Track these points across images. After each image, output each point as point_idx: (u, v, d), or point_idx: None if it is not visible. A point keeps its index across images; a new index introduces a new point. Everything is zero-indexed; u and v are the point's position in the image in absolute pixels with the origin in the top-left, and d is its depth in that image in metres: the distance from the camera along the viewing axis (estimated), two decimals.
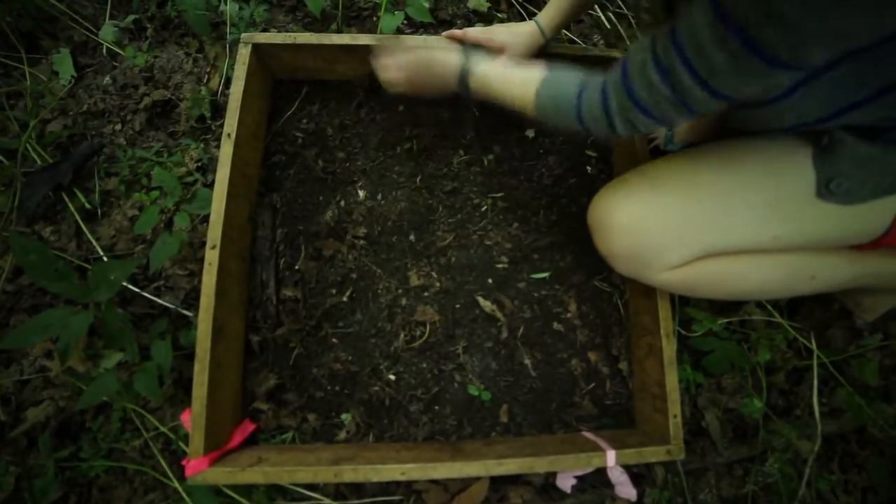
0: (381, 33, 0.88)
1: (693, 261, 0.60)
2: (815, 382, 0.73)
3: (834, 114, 0.49)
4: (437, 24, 0.93)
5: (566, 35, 0.94)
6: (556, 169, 0.83)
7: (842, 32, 0.35)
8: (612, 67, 0.52)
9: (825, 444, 0.73)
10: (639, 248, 0.60)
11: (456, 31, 0.75)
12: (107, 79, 0.90)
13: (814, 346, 0.75)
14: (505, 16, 0.98)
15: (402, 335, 0.74)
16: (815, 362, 0.74)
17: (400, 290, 0.76)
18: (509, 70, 0.64)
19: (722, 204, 0.57)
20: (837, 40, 0.36)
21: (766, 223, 0.57)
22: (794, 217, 0.56)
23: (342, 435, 0.71)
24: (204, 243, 0.78)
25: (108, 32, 0.89)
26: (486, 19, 0.97)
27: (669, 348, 0.67)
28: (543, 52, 0.75)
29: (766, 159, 0.57)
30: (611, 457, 0.62)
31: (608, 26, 0.95)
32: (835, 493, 0.72)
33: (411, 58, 0.69)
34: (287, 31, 0.93)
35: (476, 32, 0.74)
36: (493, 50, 0.73)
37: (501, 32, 0.73)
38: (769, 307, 0.78)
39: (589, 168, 0.84)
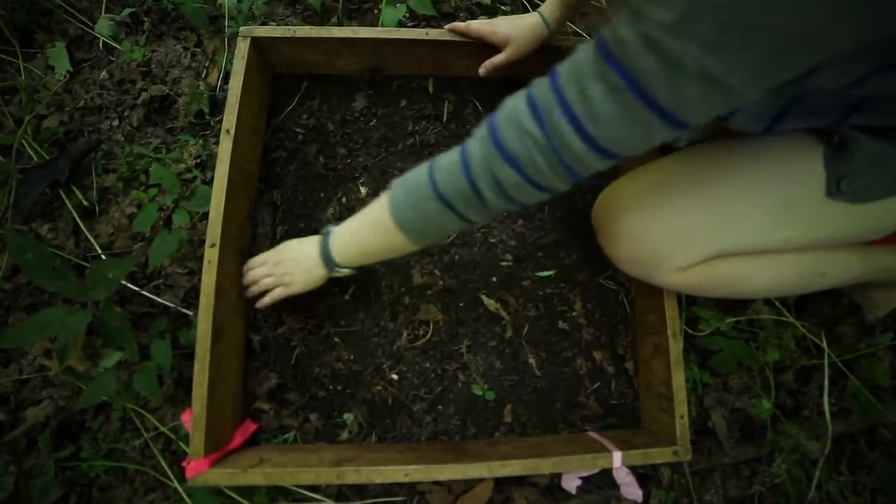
0: (382, 26, 0.86)
1: (701, 262, 0.59)
2: (826, 382, 0.72)
3: (840, 116, 0.48)
4: (439, 16, 0.91)
5: (571, 28, 0.92)
6: None
7: (716, 79, 0.33)
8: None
9: (834, 444, 0.72)
10: (646, 252, 0.59)
11: (458, 24, 0.73)
12: (103, 73, 0.89)
13: (824, 345, 0.74)
14: (509, 8, 0.96)
15: (404, 334, 0.73)
16: (825, 361, 0.73)
17: (403, 289, 0.75)
18: (360, 212, 0.57)
19: (732, 207, 0.55)
20: (712, 90, 0.33)
21: (777, 225, 0.55)
22: (805, 218, 0.55)
23: (344, 435, 0.70)
24: (203, 241, 0.76)
25: (103, 26, 0.88)
26: (490, 11, 0.95)
27: (676, 348, 0.66)
28: (547, 44, 0.73)
29: (777, 159, 0.55)
30: (617, 458, 0.61)
31: (614, 20, 0.93)
32: (843, 495, 0.71)
33: (270, 264, 0.65)
34: (286, 25, 0.91)
35: (479, 25, 0.72)
36: (497, 42, 0.72)
37: (504, 25, 0.71)
38: (778, 305, 0.77)
39: None
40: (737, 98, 0.34)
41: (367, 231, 0.56)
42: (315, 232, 0.76)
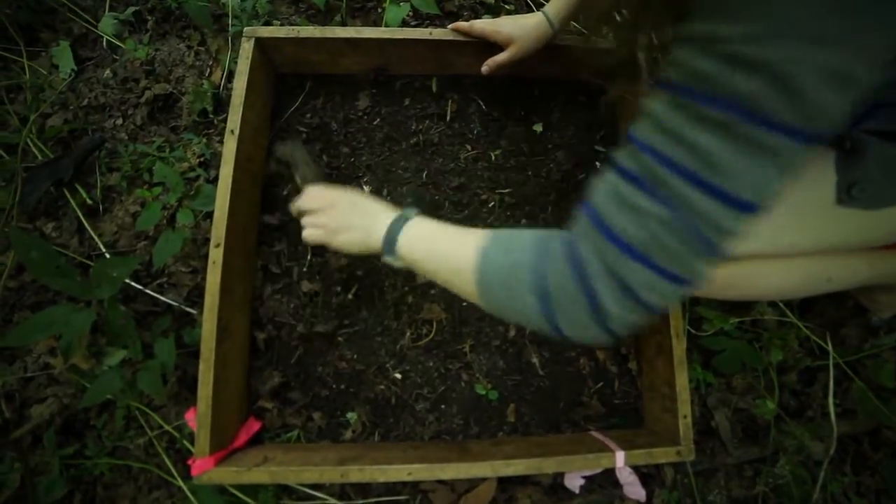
0: (385, 25, 0.86)
1: None
2: (832, 383, 0.72)
3: (854, 121, 0.47)
4: (443, 15, 0.91)
5: (575, 27, 0.92)
6: (565, 164, 0.82)
7: (840, 72, 0.27)
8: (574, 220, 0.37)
9: (838, 445, 0.71)
10: None
11: (462, 24, 0.73)
12: (107, 72, 0.89)
13: (829, 347, 0.74)
14: (513, 7, 0.95)
15: (408, 333, 0.73)
16: (830, 362, 0.73)
17: (406, 288, 0.75)
18: (443, 228, 0.49)
19: None
20: (840, 82, 0.27)
21: (785, 231, 0.55)
22: (814, 224, 0.54)
23: (348, 434, 0.70)
24: (207, 240, 0.77)
25: (107, 25, 0.88)
26: (494, 10, 0.95)
27: (679, 348, 0.66)
28: (551, 44, 0.73)
29: None
30: (620, 457, 0.61)
31: (618, 20, 0.93)
32: (847, 496, 0.71)
33: (333, 202, 0.57)
34: (290, 23, 0.91)
35: (482, 24, 0.72)
36: (500, 42, 0.72)
37: (508, 24, 0.71)
38: (782, 306, 0.76)
39: (598, 163, 0.83)
40: (864, 86, 0.28)
41: (442, 256, 0.47)
42: None
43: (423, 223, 0.51)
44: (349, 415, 0.70)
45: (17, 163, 0.81)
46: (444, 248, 0.47)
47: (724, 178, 0.30)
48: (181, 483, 0.68)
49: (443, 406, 0.72)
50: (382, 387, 0.72)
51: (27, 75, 0.88)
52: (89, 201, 0.82)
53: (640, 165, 0.33)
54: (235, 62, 0.72)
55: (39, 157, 0.83)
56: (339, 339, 0.73)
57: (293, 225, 0.77)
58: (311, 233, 0.57)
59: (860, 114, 0.46)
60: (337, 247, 0.56)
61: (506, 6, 0.95)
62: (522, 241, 0.40)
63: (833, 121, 0.29)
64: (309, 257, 0.76)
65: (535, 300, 0.37)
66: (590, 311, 0.35)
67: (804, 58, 0.27)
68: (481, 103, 0.83)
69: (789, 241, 0.55)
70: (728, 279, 0.60)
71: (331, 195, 0.58)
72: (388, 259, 0.53)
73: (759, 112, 0.28)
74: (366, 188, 0.79)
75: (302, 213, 0.59)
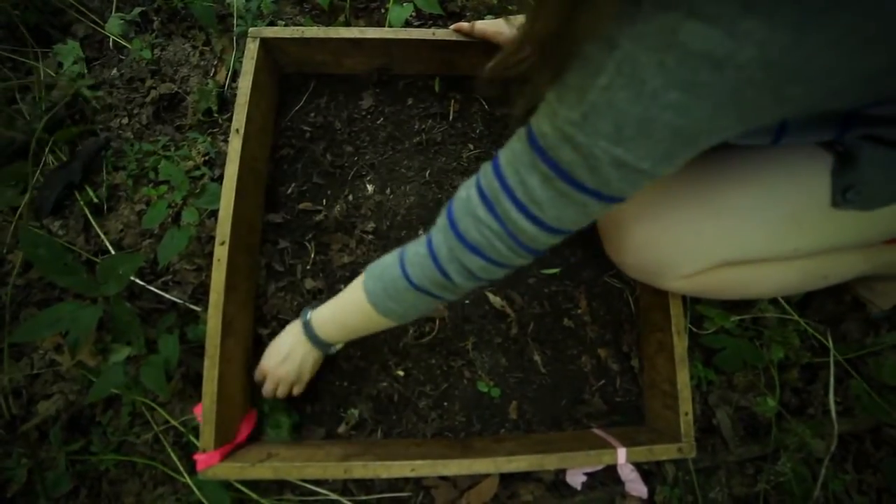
0: (389, 26, 0.87)
1: (706, 269, 0.59)
2: (832, 381, 0.72)
3: (841, 129, 0.48)
4: (446, 15, 0.92)
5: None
6: None
7: (629, 165, 0.35)
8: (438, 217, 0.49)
9: (840, 443, 0.72)
10: (651, 262, 0.59)
11: (463, 24, 0.74)
12: (113, 72, 0.90)
13: (830, 344, 0.74)
14: (515, 7, 0.96)
15: (410, 331, 0.74)
16: (831, 360, 0.73)
17: None
18: (338, 295, 0.61)
19: (740, 220, 0.55)
20: (628, 173, 0.36)
21: (784, 237, 0.55)
22: (812, 227, 0.54)
23: (350, 431, 0.70)
24: (211, 238, 0.77)
25: (114, 25, 0.89)
26: (497, 11, 0.95)
27: (681, 345, 0.66)
28: None
29: (783, 168, 0.54)
30: (621, 454, 0.62)
31: None
32: (849, 494, 0.71)
33: (272, 377, 0.66)
34: (294, 23, 0.92)
35: (484, 25, 0.72)
36: (502, 43, 0.72)
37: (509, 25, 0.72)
38: (782, 303, 0.77)
39: None
40: (654, 176, 0.37)
41: (349, 315, 0.59)
42: (323, 229, 0.78)
43: (318, 314, 0.63)
44: (352, 412, 0.71)
45: (28, 164, 0.82)
46: (346, 312, 0.60)
47: (541, 212, 0.41)
48: (187, 478, 0.68)
49: (445, 403, 0.72)
50: (385, 384, 0.72)
51: (39, 75, 0.88)
52: (96, 200, 0.83)
53: (489, 186, 0.43)
54: (240, 62, 0.72)
55: (50, 158, 0.84)
56: None
57: (297, 223, 0.78)
58: (293, 391, 0.68)
59: (843, 122, 0.47)
60: (309, 379, 0.68)
61: (508, 6, 0.96)
62: (387, 266, 0.53)
63: (626, 192, 0.39)
64: (312, 255, 0.77)
65: (414, 293, 0.51)
66: (449, 286, 0.49)
67: (605, 148, 0.35)
68: (484, 103, 0.84)
69: (790, 247, 0.56)
70: (726, 283, 0.60)
71: (267, 372, 0.67)
72: (333, 351, 0.67)
73: (571, 176, 0.38)
74: (369, 187, 0.80)
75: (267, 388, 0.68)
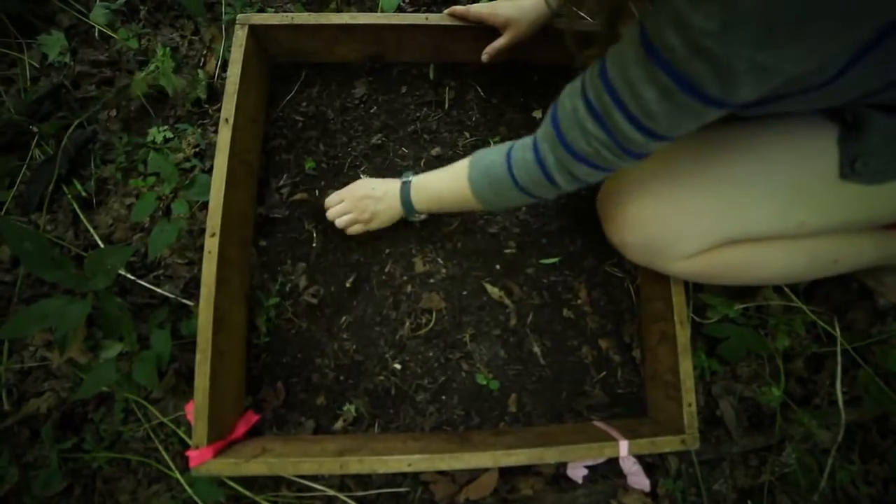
0: (381, 11, 0.85)
1: (710, 249, 0.57)
2: (839, 370, 0.70)
3: (862, 96, 0.46)
4: (440, 0, 0.90)
5: (574, 9, 0.90)
6: None
7: (769, 69, 0.33)
8: (541, 121, 0.50)
9: (845, 433, 0.70)
10: (652, 240, 0.57)
11: (458, 8, 0.72)
12: (100, 62, 0.88)
13: (837, 332, 0.72)
14: None
15: (407, 323, 0.72)
16: (838, 349, 0.72)
17: (405, 277, 0.74)
18: (439, 171, 0.63)
19: (743, 192, 0.53)
20: (766, 76, 0.34)
21: (790, 210, 0.53)
22: (818, 201, 0.53)
23: (347, 425, 0.69)
24: (203, 230, 0.76)
25: (99, 14, 0.86)
26: None
27: (683, 335, 0.65)
28: (550, 26, 0.72)
29: (788, 140, 0.53)
30: (623, 447, 0.60)
31: None
32: (855, 484, 0.70)
33: (351, 201, 0.69)
34: (285, 11, 0.89)
35: (479, 8, 0.70)
36: (498, 25, 0.70)
37: (505, 7, 0.70)
38: (787, 291, 0.75)
39: None
40: (792, 76, 0.35)
41: (446, 192, 0.62)
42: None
43: (420, 180, 0.65)
44: (348, 406, 0.70)
45: (13, 158, 0.80)
46: (444, 189, 0.62)
47: (654, 123, 0.40)
48: (179, 476, 0.67)
49: (443, 396, 0.71)
50: (382, 377, 0.71)
51: (23, 67, 0.86)
52: (84, 194, 0.81)
53: (598, 99, 0.42)
54: (229, 51, 0.70)
55: (36, 151, 0.82)
56: (338, 329, 0.72)
57: (290, 216, 0.76)
58: (351, 228, 0.70)
59: (871, 91, 0.45)
60: (377, 227, 0.71)
61: None
62: (494, 163, 0.55)
63: (752, 96, 0.36)
64: (307, 249, 0.75)
65: (517, 192, 0.54)
66: (552, 188, 0.52)
67: (746, 57, 0.32)
68: (480, 90, 0.82)
69: (795, 221, 0.54)
70: (730, 265, 0.58)
71: (349, 195, 0.70)
72: (415, 218, 0.71)
73: (698, 89, 0.36)
74: (363, 177, 0.78)
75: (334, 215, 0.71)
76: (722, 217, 0.54)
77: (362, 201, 0.68)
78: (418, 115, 0.81)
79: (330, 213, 0.71)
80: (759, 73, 0.34)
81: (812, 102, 0.47)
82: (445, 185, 0.62)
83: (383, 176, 0.78)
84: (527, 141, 0.52)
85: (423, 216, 0.71)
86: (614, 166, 0.46)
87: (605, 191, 0.62)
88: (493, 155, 0.55)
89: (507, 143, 0.55)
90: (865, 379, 0.71)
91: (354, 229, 0.70)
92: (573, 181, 0.49)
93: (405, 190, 0.66)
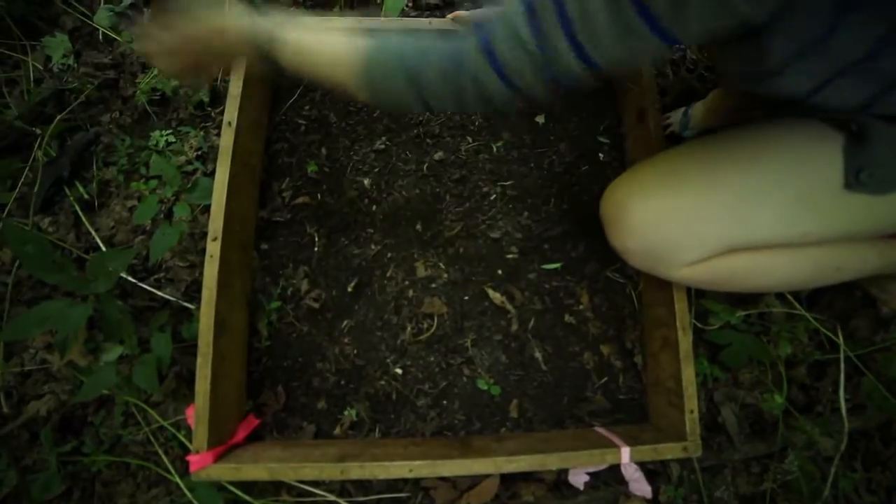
0: (384, 16, 0.85)
1: (713, 256, 0.57)
2: (842, 377, 0.70)
3: (870, 99, 0.46)
4: (443, 5, 0.90)
5: None
6: (568, 156, 0.80)
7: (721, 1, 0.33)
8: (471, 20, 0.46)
9: (848, 440, 0.70)
10: (655, 246, 0.57)
11: (462, 13, 0.72)
12: (103, 64, 0.88)
13: (840, 340, 0.72)
14: None
15: (408, 328, 0.72)
16: (841, 356, 0.71)
17: (406, 282, 0.74)
18: (316, 38, 0.51)
19: (746, 200, 0.53)
20: (716, 9, 0.34)
21: (794, 220, 0.53)
22: (823, 210, 0.53)
23: (348, 430, 0.69)
24: (205, 234, 0.76)
25: (103, 17, 0.87)
26: None
27: (685, 341, 0.64)
28: None
29: (792, 148, 0.53)
30: (625, 453, 0.60)
31: None
32: (858, 492, 0.70)
33: (178, 38, 0.52)
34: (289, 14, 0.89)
35: (483, 14, 0.71)
36: None
37: None
38: (790, 298, 0.75)
39: (601, 155, 0.81)
40: (734, 15, 0.35)
41: (324, 64, 0.51)
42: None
43: (294, 39, 0.50)
44: (349, 411, 0.69)
45: (16, 160, 0.80)
46: (323, 58, 0.50)
47: (592, 44, 0.39)
48: (178, 480, 0.67)
49: (444, 402, 0.70)
50: (383, 382, 0.70)
51: (28, 69, 0.86)
52: (86, 196, 0.81)
53: (542, 8, 0.39)
54: None
55: (39, 153, 0.82)
56: (339, 334, 0.72)
57: (292, 219, 0.76)
58: (180, 63, 0.54)
59: (870, 97, 0.45)
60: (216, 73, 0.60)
61: None
62: (405, 57, 0.47)
63: (691, 37, 0.37)
64: (308, 253, 0.75)
65: (411, 89, 0.47)
66: (457, 103, 0.47)
67: None
68: None
69: (799, 230, 0.54)
70: (734, 272, 0.58)
71: (171, 42, 0.52)
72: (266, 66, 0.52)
73: (648, 9, 0.35)
74: (366, 181, 0.78)
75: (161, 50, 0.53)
76: (725, 225, 0.54)
77: (190, 47, 0.52)
78: (421, 119, 0.81)
79: (158, 62, 0.55)
80: (710, 4, 0.34)
81: (814, 76, 0.45)
82: (326, 53, 0.50)
83: (383, 179, 0.78)
84: (451, 40, 0.46)
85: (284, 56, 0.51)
86: (530, 88, 0.43)
87: (608, 195, 0.62)
88: (407, 49, 0.47)
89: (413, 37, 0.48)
90: (868, 387, 0.71)
91: (165, 72, 0.58)
92: (484, 103, 0.45)
93: (267, 45, 0.50)
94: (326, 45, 0.50)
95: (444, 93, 0.46)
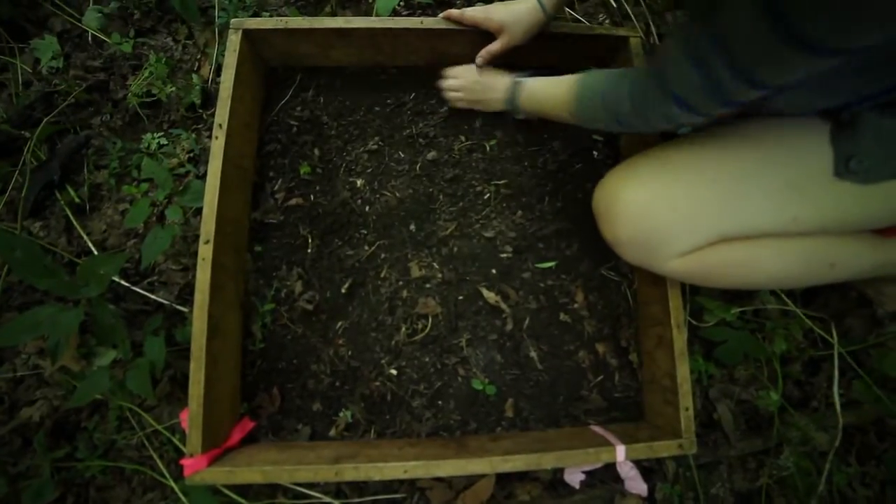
0: (376, 15, 0.84)
1: (705, 246, 0.57)
2: (836, 374, 0.70)
3: (872, 95, 0.46)
4: (435, 4, 0.89)
5: (570, 14, 0.90)
6: (561, 154, 0.80)
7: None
8: (648, 58, 0.53)
9: (843, 436, 0.70)
10: (646, 234, 0.57)
11: (453, 11, 0.72)
12: (93, 67, 0.87)
13: (834, 337, 0.72)
14: None
15: (403, 328, 0.72)
16: (835, 352, 0.71)
17: (401, 282, 0.74)
18: (549, 79, 0.67)
19: (736, 185, 0.54)
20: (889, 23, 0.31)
21: (783, 205, 0.53)
22: (813, 197, 0.53)
23: (343, 431, 0.69)
24: (197, 236, 0.75)
25: (91, 19, 0.86)
26: None
27: (680, 339, 0.64)
28: (546, 31, 0.72)
29: (782, 138, 0.54)
30: (620, 451, 0.60)
31: (614, 4, 0.91)
32: (852, 487, 0.70)
33: (467, 81, 0.76)
34: (279, 15, 0.89)
35: (473, 12, 0.70)
36: (492, 30, 0.70)
37: (499, 11, 0.69)
38: (783, 297, 0.75)
39: (595, 153, 0.81)
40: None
41: (549, 102, 0.66)
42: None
43: (530, 85, 0.70)
44: (344, 412, 0.69)
45: (5, 164, 0.79)
46: (549, 98, 0.66)
47: (757, 73, 0.38)
48: (173, 484, 0.66)
49: (439, 402, 0.70)
50: (378, 383, 0.70)
51: (14, 73, 0.86)
52: (77, 200, 0.80)
53: (699, 46, 0.40)
54: (223, 55, 0.70)
55: (28, 157, 0.81)
56: (334, 335, 0.72)
57: (285, 221, 0.76)
58: (457, 102, 0.78)
59: (875, 92, 0.45)
60: (474, 109, 0.79)
61: None
62: (603, 91, 0.56)
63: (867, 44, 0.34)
64: (302, 255, 0.75)
65: (612, 119, 0.55)
66: (648, 126, 0.52)
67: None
68: None
69: (789, 216, 0.54)
70: (726, 264, 0.58)
71: (465, 75, 0.76)
72: (517, 115, 0.76)
73: (810, 41, 0.33)
74: (358, 181, 0.78)
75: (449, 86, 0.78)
76: (717, 211, 0.54)
77: (476, 84, 0.74)
78: (413, 119, 0.81)
79: (444, 84, 0.77)
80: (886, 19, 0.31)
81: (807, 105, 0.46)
82: (551, 94, 0.65)
83: (376, 180, 0.78)
84: (636, 72, 0.52)
85: (521, 116, 0.75)
86: (709, 112, 0.46)
87: (600, 187, 0.62)
88: (610, 86, 0.55)
89: (618, 71, 0.55)
90: (861, 388, 0.71)
91: (459, 103, 0.78)
92: (668, 122, 0.50)
93: (514, 90, 0.71)
94: (549, 88, 0.66)
95: (636, 121, 0.52)
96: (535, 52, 0.73)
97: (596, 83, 0.57)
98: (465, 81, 0.76)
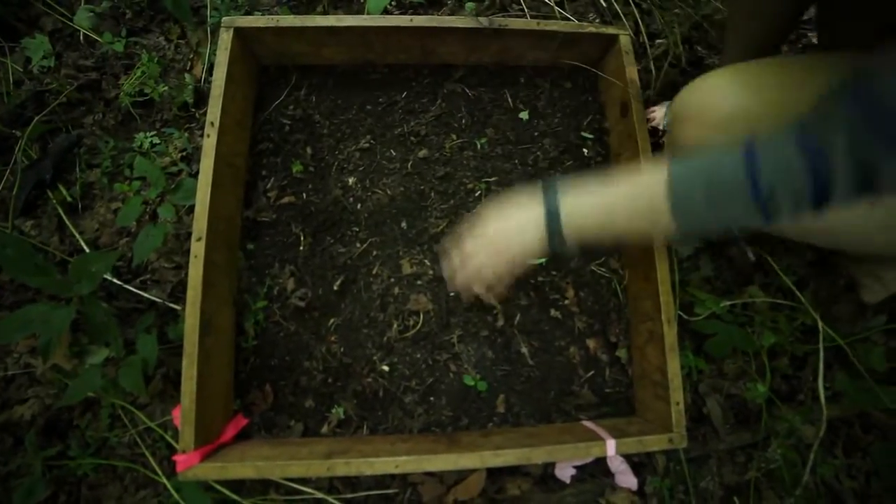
0: (368, 14, 0.85)
1: None
2: (821, 367, 0.71)
3: None
4: (427, 3, 0.90)
5: (560, 13, 0.91)
6: (552, 152, 0.81)
7: None
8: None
9: (829, 428, 0.71)
10: (726, 112, 0.53)
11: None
12: (85, 66, 0.87)
13: (820, 330, 0.73)
14: None
15: (395, 325, 0.72)
16: (821, 346, 0.72)
17: (392, 279, 0.74)
18: (592, 188, 0.49)
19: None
20: None
21: None
22: None
23: (335, 428, 0.69)
24: (190, 234, 0.75)
25: (83, 18, 0.86)
26: None
27: (671, 334, 0.65)
28: (537, 30, 0.72)
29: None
30: (610, 446, 0.61)
31: (604, 3, 0.92)
32: (838, 479, 0.71)
33: (470, 247, 0.53)
34: (271, 14, 0.89)
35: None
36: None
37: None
38: (773, 288, 0.76)
39: (585, 150, 0.82)
40: None
41: (620, 210, 0.47)
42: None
43: (576, 201, 0.49)
44: (336, 408, 0.69)
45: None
46: (618, 206, 0.47)
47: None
48: (165, 481, 0.67)
49: (431, 398, 0.71)
50: (370, 380, 0.71)
51: (10, 70, 0.85)
52: (69, 199, 0.80)
53: (828, 129, 0.37)
54: (216, 54, 0.70)
55: (20, 156, 0.81)
56: (326, 332, 0.72)
57: (278, 219, 0.76)
58: (481, 290, 0.56)
59: None
60: (504, 287, 0.56)
61: None
62: (719, 157, 0.43)
63: None
64: (294, 252, 0.75)
65: (747, 200, 0.41)
66: (764, 217, 0.42)
67: None
68: (467, 91, 0.82)
69: None
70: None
71: (465, 247, 0.55)
72: (563, 254, 0.53)
73: None
74: (350, 179, 0.78)
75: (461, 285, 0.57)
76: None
77: (476, 254, 0.53)
78: (405, 117, 0.81)
79: (446, 275, 0.59)
80: None
81: None
82: (620, 198, 0.47)
83: (368, 178, 0.78)
84: (774, 138, 0.41)
85: (571, 252, 0.54)
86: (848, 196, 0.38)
87: (691, 91, 0.59)
88: (720, 160, 0.43)
89: (733, 148, 0.43)
90: (844, 383, 0.72)
91: (482, 297, 0.58)
92: (798, 212, 0.40)
93: (552, 213, 0.49)
94: (608, 196, 0.48)
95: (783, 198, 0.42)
96: (524, 52, 0.74)
97: (704, 172, 0.44)
98: (456, 260, 0.56)
